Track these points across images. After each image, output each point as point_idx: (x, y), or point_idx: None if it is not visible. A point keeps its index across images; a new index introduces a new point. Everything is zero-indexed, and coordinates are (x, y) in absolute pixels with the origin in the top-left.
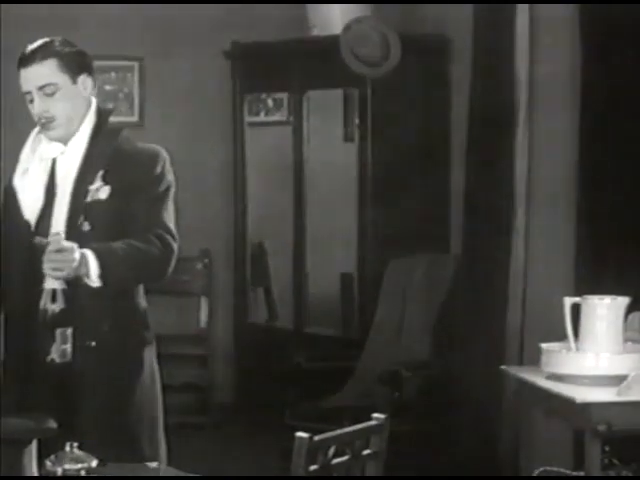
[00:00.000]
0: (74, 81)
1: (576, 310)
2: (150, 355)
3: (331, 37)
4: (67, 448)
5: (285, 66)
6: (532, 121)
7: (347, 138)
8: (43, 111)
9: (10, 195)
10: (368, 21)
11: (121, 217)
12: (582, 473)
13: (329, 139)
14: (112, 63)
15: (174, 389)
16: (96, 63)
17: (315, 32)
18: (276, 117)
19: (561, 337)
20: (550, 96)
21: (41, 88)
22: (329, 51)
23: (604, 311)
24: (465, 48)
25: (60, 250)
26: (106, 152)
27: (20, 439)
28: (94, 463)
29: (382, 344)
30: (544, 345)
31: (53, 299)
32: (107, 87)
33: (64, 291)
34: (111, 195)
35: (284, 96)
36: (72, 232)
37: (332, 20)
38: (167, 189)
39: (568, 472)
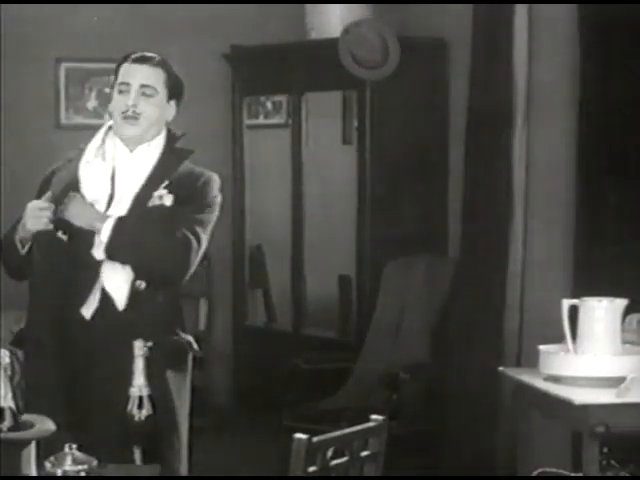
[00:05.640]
0: (167, 100)
1: (574, 312)
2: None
3: (330, 40)
4: (66, 449)
5: (284, 69)
6: (530, 123)
7: (346, 140)
8: (134, 105)
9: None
10: (367, 24)
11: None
12: (580, 474)
13: (328, 141)
14: (111, 65)
15: None
16: (95, 65)
17: (313, 35)
18: (275, 120)
19: (559, 339)
20: (549, 98)
21: (143, 87)
22: (328, 54)
23: (602, 313)
24: (464, 51)
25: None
26: (173, 167)
27: (19, 440)
28: (94, 464)
29: (380, 346)
30: (542, 347)
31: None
32: (106, 89)
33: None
34: (174, 203)
35: (283, 99)
36: None
37: (331, 23)
38: (212, 215)
39: (566, 473)
